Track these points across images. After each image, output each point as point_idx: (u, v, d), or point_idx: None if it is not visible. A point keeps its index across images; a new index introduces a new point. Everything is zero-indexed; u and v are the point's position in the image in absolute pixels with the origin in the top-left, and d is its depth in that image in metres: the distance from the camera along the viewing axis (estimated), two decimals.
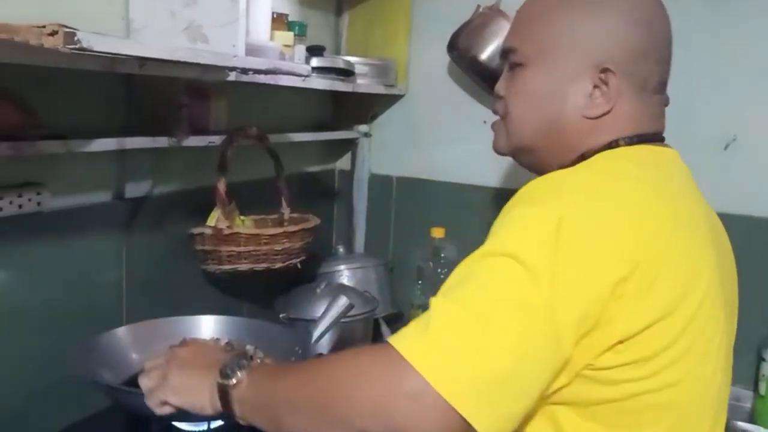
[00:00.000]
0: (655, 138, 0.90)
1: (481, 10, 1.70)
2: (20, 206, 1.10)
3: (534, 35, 0.91)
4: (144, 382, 0.93)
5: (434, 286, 1.65)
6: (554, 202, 0.73)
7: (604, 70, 0.86)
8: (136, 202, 1.34)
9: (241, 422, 0.82)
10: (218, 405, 0.84)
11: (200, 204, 1.41)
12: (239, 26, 1.16)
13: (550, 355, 0.69)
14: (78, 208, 1.23)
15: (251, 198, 1.55)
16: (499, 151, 0.99)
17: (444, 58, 1.82)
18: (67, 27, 0.79)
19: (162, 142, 1.26)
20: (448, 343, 0.67)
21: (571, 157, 0.89)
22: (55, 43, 0.78)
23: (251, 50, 1.20)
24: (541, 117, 0.91)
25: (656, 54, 0.88)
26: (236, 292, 1.59)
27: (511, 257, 0.69)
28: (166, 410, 0.90)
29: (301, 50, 1.50)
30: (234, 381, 0.82)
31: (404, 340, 0.69)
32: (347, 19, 1.99)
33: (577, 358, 0.71)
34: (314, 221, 1.53)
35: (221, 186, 1.37)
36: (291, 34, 1.45)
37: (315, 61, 1.62)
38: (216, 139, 1.39)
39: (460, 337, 0.67)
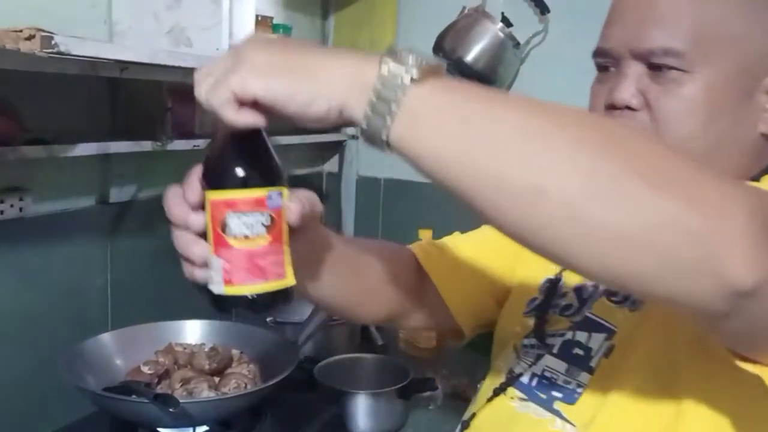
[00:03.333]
0: None
1: (466, 11, 1.70)
2: (2, 212, 1.09)
3: (705, 32, 0.72)
4: (199, 74, 0.57)
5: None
6: None
7: None
8: (121, 206, 1.34)
9: (388, 151, 0.54)
10: (355, 104, 0.51)
11: None
12: (222, 29, 1.16)
13: None
14: (61, 213, 1.23)
15: None
16: None
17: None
18: (44, 31, 0.79)
19: (146, 146, 1.26)
20: None
21: (741, 178, 0.73)
22: (32, 47, 0.77)
23: None
24: (716, 134, 0.73)
25: None
26: None
27: None
28: (245, 116, 0.53)
29: None
30: (415, 71, 0.49)
31: None
32: (333, 22, 1.98)
33: None
34: None
35: None
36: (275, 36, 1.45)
37: None
38: (201, 143, 1.38)
39: None
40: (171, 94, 1.31)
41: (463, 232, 1.39)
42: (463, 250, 0.97)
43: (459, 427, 0.89)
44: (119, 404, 1.00)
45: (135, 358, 1.16)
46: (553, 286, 0.87)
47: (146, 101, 1.29)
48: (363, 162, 2.02)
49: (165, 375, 1.14)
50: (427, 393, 1.35)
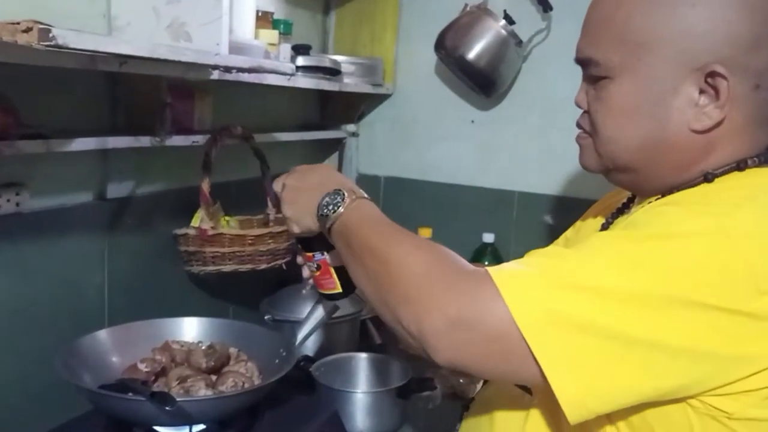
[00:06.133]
0: None
1: (468, 8, 1.69)
2: None
3: (617, 40, 0.78)
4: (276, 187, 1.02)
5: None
6: None
7: (711, 74, 0.73)
8: (119, 202, 1.32)
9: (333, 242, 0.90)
10: (319, 227, 0.92)
11: (184, 204, 1.40)
12: (222, 24, 1.14)
13: None
14: (59, 208, 1.21)
15: (237, 198, 1.53)
16: (588, 169, 0.88)
17: (431, 57, 1.80)
18: (42, 24, 0.77)
19: (145, 141, 1.25)
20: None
21: (684, 176, 0.78)
22: (29, 39, 0.76)
23: (235, 48, 1.18)
24: (639, 135, 0.78)
25: None
26: (222, 294, 1.57)
27: None
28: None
29: (286, 49, 1.48)
30: (330, 221, 0.87)
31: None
32: (334, 18, 1.97)
33: None
34: None
35: (205, 186, 1.35)
36: (276, 32, 1.43)
37: (301, 60, 1.60)
38: (200, 139, 1.37)
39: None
40: (170, 89, 1.30)
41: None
42: None
43: (461, 410, 1.02)
44: (115, 402, 0.99)
45: (132, 355, 1.15)
46: None
47: (145, 96, 1.28)
48: (363, 160, 2.01)
49: (162, 373, 1.13)
50: (426, 393, 1.34)
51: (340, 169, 2.01)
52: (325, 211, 0.88)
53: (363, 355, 1.44)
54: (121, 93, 1.29)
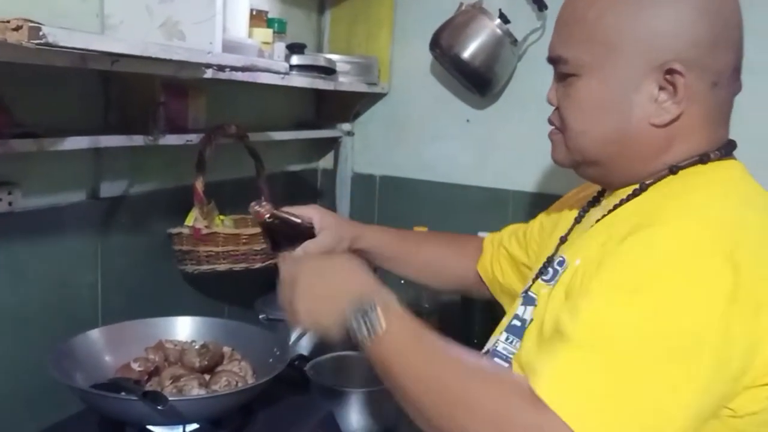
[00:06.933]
0: (731, 146, 0.84)
1: (463, 7, 1.68)
2: None
3: (584, 39, 0.83)
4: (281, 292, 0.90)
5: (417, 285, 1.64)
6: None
7: (670, 71, 0.78)
8: (112, 201, 1.32)
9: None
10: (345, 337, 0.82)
11: (178, 203, 1.39)
12: (216, 23, 1.14)
13: None
14: (51, 207, 1.21)
15: (231, 197, 1.53)
16: (559, 164, 0.93)
17: (427, 56, 1.80)
18: (32, 22, 0.77)
19: (138, 140, 1.24)
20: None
21: (649, 169, 0.83)
22: (20, 38, 0.76)
23: (229, 47, 1.18)
24: (604, 130, 0.83)
25: (729, 39, 0.79)
26: (216, 293, 1.57)
27: None
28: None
29: (280, 48, 1.48)
30: (365, 345, 0.79)
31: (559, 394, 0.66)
32: (330, 17, 1.97)
33: None
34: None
35: (199, 185, 1.35)
36: (270, 31, 1.43)
37: (295, 59, 1.60)
38: (194, 138, 1.37)
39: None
40: (164, 88, 1.30)
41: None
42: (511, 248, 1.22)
43: None
44: (108, 401, 0.99)
45: (125, 354, 1.15)
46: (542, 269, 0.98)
47: (138, 95, 1.27)
48: (358, 159, 2.01)
49: (155, 372, 1.13)
50: None
51: (335, 167, 2.01)
52: (359, 335, 0.79)
53: (357, 354, 1.44)
54: (115, 91, 1.29)
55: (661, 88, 0.79)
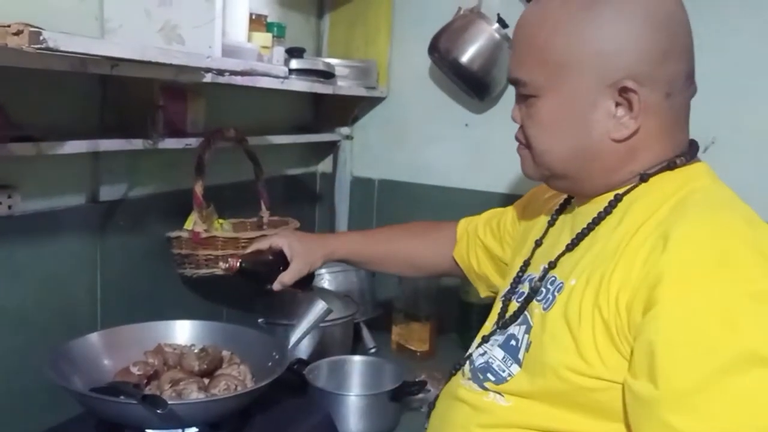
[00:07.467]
0: (694, 148, 0.87)
1: (461, 12, 1.69)
2: None
3: (537, 61, 0.84)
4: None
5: (415, 289, 1.64)
6: None
7: (623, 89, 0.80)
8: (111, 205, 1.32)
9: None
10: None
11: (177, 207, 1.39)
12: (215, 27, 1.14)
13: None
14: (50, 211, 1.21)
15: (230, 201, 1.53)
16: (529, 177, 0.95)
17: (425, 61, 1.81)
18: (32, 26, 0.77)
19: (137, 143, 1.24)
20: None
21: (617, 178, 0.85)
22: (20, 42, 0.76)
23: (228, 51, 1.18)
24: (567, 147, 0.86)
25: (678, 49, 0.81)
26: (215, 297, 1.57)
27: None
28: None
29: (279, 52, 1.49)
30: None
31: None
32: (328, 21, 1.97)
33: None
34: (294, 224, 1.51)
35: (198, 189, 1.35)
36: (269, 35, 1.43)
37: (294, 63, 1.60)
38: (193, 141, 1.37)
39: None
40: (163, 92, 1.30)
41: None
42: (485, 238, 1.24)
43: (426, 409, 1.06)
44: (106, 405, 0.99)
45: (124, 358, 1.15)
46: (521, 273, 0.99)
47: (137, 99, 1.28)
48: (357, 162, 2.01)
49: (154, 376, 1.13)
50: (419, 395, 1.34)
51: (334, 171, 2.01)
52: None
53: (356, 358, 1.44)
54: (113, 95, 1.29)
55: (617, 104, 0.81)
